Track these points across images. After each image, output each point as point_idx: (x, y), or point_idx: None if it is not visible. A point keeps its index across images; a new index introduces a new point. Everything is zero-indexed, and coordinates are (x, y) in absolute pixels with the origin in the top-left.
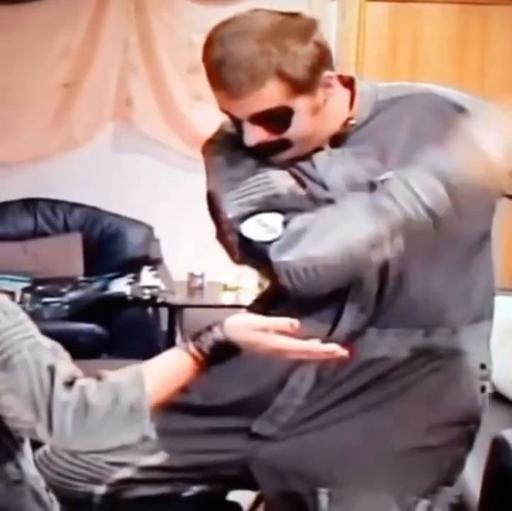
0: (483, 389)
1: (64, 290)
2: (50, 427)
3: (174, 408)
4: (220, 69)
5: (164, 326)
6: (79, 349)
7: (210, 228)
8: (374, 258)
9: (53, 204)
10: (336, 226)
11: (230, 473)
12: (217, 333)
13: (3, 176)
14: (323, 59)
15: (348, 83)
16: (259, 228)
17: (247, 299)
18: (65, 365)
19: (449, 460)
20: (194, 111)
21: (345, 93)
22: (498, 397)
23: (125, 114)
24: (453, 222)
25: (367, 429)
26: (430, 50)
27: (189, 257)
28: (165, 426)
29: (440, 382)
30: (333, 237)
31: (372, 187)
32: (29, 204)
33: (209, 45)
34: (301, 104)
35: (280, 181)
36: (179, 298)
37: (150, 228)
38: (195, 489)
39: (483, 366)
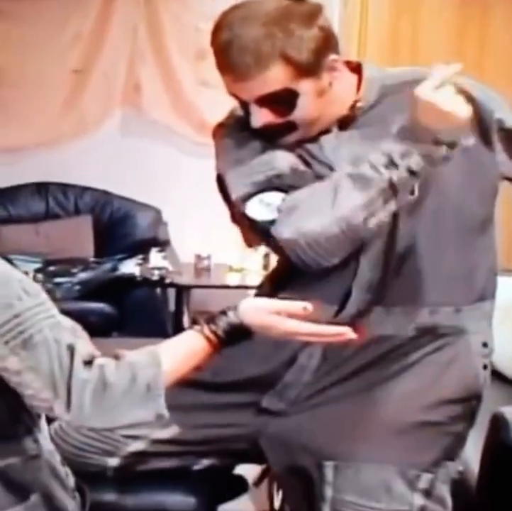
0: (485, 367)
1: (75, 271)
2: (68, 405)
3: (186, 384)
4: (228, 52)
5: (171, 305)
6: (90, 328)
7: (217, 211)
8: (370, 223)
9: (64, 187)
10: (327, 199)
11: (239, 447)
12: (231, 317)
13: (15, 160)
14: (327, 43)
15: (356, 68)
16: (261, 208)
17: (252, 280)
18: (84, 344)
19: (452, 436)
20: (201, 97)
21: (353, 77)
22: (496, 374)
23: (133, 100)
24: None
25: (372, 404)
26: (430, 39)
27: (196, 240)
28: (177, 401)
29: (443, 360)
30: (326, 210)
31: None
32: (41, 188)
33: (218, 29)
34: (305, 87)
35: (282, 161)
36: (186, 279)
37: (158, 211)
38: (205, 462)
39: (485, 344)
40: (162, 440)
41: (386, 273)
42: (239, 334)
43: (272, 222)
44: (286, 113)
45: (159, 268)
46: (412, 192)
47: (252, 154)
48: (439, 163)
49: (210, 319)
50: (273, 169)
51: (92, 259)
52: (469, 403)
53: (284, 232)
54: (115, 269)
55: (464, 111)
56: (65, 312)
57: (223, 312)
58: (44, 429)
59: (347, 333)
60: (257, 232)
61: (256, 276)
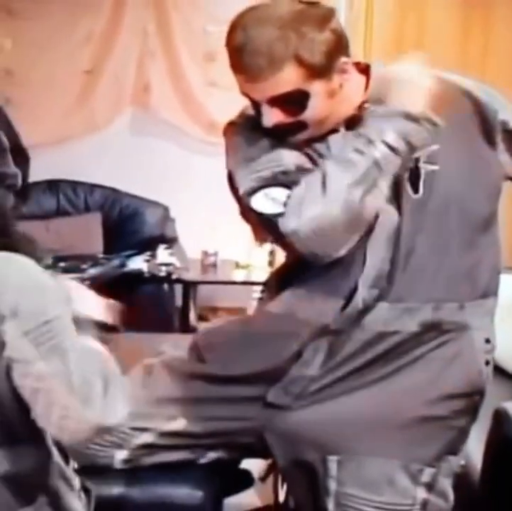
0: (487, 362)
1: (84, 267)
2: (97, 408)
3: (193, 377)
4: (241, 54)
5: (178, 301)
6: (98, 322)
7: (223, 208)
8: (367, 204)
9: (74, 185)
10: (320, 189)
11: (245, 440)
12: None
13: None
14: (339, 45)
15: (364, 69)
16: (266, 202)
17: (258, 276)
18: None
19: (454, 430)
20: (209, 97)
21: (361, 78)
22: (499, 371)
23: (143, 100)
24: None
25: (376, 399)
26: (434, 40)
27: (203, 236)
28: (185, 394)
29: (447, 356)
30: (321, 199)
31: None
32: (52, 185)
33: (232, 30)
34: (317, 88)
35: (288, 158)
36: (193, 275)
37: (166, 209)
38: (211, 456)
39: (487, 341)
40: (169, 432)
41: (392, 269)
42: None
43: (277, 215)
44: (297, 113)
45: (166, 264)
46: (416, 191)
47: (260, 152)
48: (417, 144)
49: None
50: (279, 166)
51: (101, 255)
52: (472, 398)
53: (289, 223)
54: (123, 265)
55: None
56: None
57: None
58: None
59: None
60: (264, 226)
61: (262, 272)
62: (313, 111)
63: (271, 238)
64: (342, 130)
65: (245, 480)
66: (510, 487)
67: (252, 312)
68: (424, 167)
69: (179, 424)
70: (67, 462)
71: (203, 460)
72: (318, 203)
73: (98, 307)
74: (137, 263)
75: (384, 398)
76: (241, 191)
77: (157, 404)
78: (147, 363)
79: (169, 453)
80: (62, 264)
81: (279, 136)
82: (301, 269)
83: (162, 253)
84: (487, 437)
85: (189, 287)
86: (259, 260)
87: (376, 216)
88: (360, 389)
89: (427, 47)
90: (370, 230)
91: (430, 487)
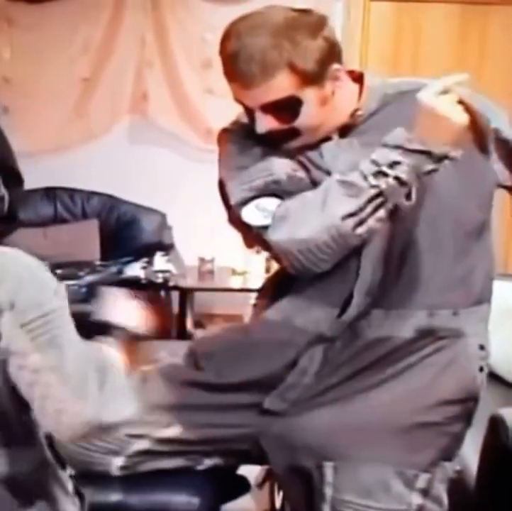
0: (481, 369)
1: (81, 274)
2: (92, 401)
3: (190, 384)
4: (235, 61)
5: (175, 308)
6: (95, 329)
7: (220, 215)
8: (359, 230)
9: (72, 192)
10: (317, 206)
11: (241, 447)
12: None
13: (25, 166)
14: (331, 53)
15: (358, 78)
16: (257, 213)
17: (255, 283)
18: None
19: (449, 436)
20: (206, 105)
21: (355, 86)
22: (494, 377)
23: (141, 107)
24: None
25: (371, 405)
26: (431, 48)
27: (200, 243)
28: (181, 401)
29: (441, 362)
30: (316, 217)
31: None
32: (49, 192)
33: (226, 38)
34: (309, 95)
35: (280, 167)
36: (190, 282)
37: (163, 216)
38: (208, 462)
39: (482, 347)
40: (165, 439)
41: (386, 276)
42: None
43: (266, 228)
44: (290, 119)
45: (163, 271)
46: (409, 198)
47: (252, 160)
48: (426, 174)
49: None
50: (271, 175)
51: (98, 262)
52: (466, 404)
53: (277, 238)
54: (120, 272)
55: (461, 119)
56: (72, 314)
57: None
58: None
59: None
60: (254, 236)
61: (259, 279)
62: (306, 117)
63: (259, 246)
64: (336, 137)
65: (242, 486)
66: (505, 493)
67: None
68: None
69: (175, 431)
70: (62, 467)
71: (199, 467)
72: (312, 224)
73: (134, 316)
74: (135, 270)
75: (379, 404)
76: (232, 201)
77: (152, 411)
78: (143, 369)
79: (165, 460)
80: (59, 271)
81: (273, 143)
82: (296, 277)
83: (159, 260)
84: (483, 443)
85: (186, 293)
86: (256, 267)
87: None
88: (355, 395)
89: (424, 55)
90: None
91: (425, 492)
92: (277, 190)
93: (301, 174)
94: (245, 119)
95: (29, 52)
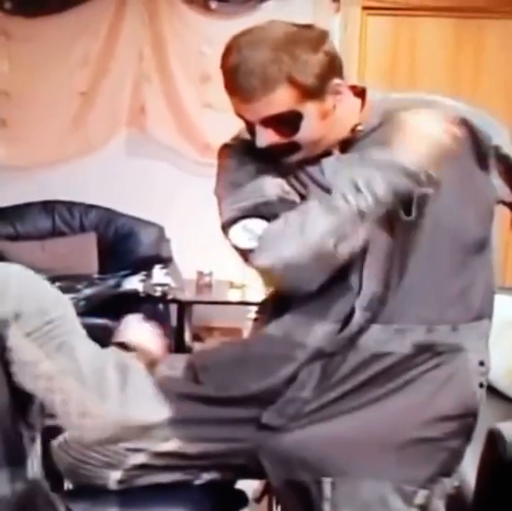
0: (481, 385)
1: (80, 287)
2: (113, 400)
3: (188, 398)
4: (235, 75)
5: (173, 321)
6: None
7: (218, 229)
8: (341, 251)
9: (70, 205)
10: (299, 228)
11: (239, 462)
12: None
13: (23, 179)
14: (332, 67)
15: (360, 92)
16: (243, 234)
17: (253, 296)
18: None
19: (448, 452)
20: (204, 119)
21: (356, 101)
22: (493, 391)
23: (138, 121)
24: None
25: (370, 420)
26: (427, 61)
27: (198, 257)
28: (179, 415)
29: (440, 378)
30: (298, 239)
31: None
32: (47, 206)
33: (227, 52)
34: (310, 109)
35: (272, 189)
36: (188, 295)
37: (161, 229)
38: (206, 477)
39: (482, 363)
40: (163, 453)
41: (385, 291)
42: None
43: (250, 251)
44: (290, 134)
45: (161, 284)
46: (409, 213)
47: (247, 177)
48: (409, 194)
49: None
50: (262, 196)
51: (96, 275)
52: (466, 420)
53: (260, 261)
54: (118, 285)
55: (444, 138)
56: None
57: None
58: (38, 453)
59: None
60: (241, 256)
61: (257, 292)
62: (306, 131)
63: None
64: (336, 152)
65: (240, 501)
66: (503, 508)
67: (246, 332)
68: (417, 190)
69: (173, 445)
70: (55, 486)
71: (197, 482)
72: (292, 245)
73: (151, 340)
74: (133, 283)
75: (378, 419)
76: (221, 220)
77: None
78: None
79: (163, 474)
80: (57, 284)
81: (273, 158)
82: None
83: (158, 273)
84: (481, 458)
85: (184, 306)
86: (254, 280)
87: (368, 241)
88: (354, 410)
89: (420, 67)
90: (364, 252)
91: (423, 509)
92: (266, 212)
93: (293, 196)
94: (245, 134)
95: (27, 65)
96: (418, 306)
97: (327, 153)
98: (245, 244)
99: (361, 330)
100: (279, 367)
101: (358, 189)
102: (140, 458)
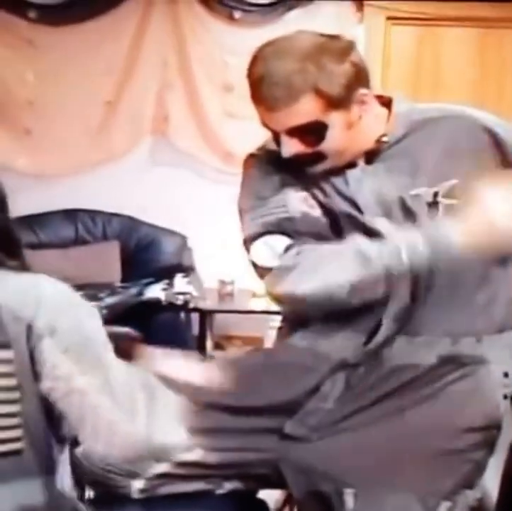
0: (505, 396)
1: (102, 295)
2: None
3: (211, 407)
4: (261, 85)
5: (195, 330)
6: (116, 351)
7: (240, 238)
8: (353, 300)
9: (93, 214)
10: (323, 266)
11: (261, 472)
12: None
13: (46, 187)
14: (358, 77)
15: (386, 102)
16: (264, 251)
17: (274, 305)
18: None
19: (471, 464)
20: (227, 128)
21: (383, 111)
22: None
23: (162, 129)
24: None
25: (393, 432)
26: (451, 72)
27: (220, 265)
28: (202, 425)
29: (465, 389)
30: (318, 276)
31: (402, 201)
32: (70, 214)
33: (254, 62)
34: (335, 119)
35: (296, 204)
36: (209, 304)
37: (184, 238)
38: (227, 486)
39: (506, 374)
40: (185, 462)
41: (412, 303)
42: None
43: (269, 269)
44: (316, 143)
45: (183, 293)
46: None
47: (271, 189)
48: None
49: None
50: (286, 212)
51: (119, 284)
52: (490, 432)
53: (274, 286)
54: (141, 294)
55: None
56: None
57: None
58: (66, 465)
59: None
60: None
61: None
62: (332, 141)
63: None
64: (361, 163)
65: (261, 510)
66: None
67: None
68: (442, 202)
69: (196, 455)
70: (81, 494)
71: (219, 491)
72: (311, 282)
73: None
74: (155, 292)
75: (401, 431)
76: (244, 234)
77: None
78: None
79: (185, 484)
80: (80, 292)
81: (298, 168)
82: None
83: (179, 282)
84: (503, 470)
85: (206, 315)
86: None
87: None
88: (377, 421)
89: (443, 80)
90: None
91: None
92: (289, 228)
93: (317, 212)
94: (271, 145)
95: (51, 74)
96: (443, 319)
97: (352, 164)
98: (265, 262)
99: (386, 341)
100: (301, 378)
101: (399, 253)
102: (162, 468)
